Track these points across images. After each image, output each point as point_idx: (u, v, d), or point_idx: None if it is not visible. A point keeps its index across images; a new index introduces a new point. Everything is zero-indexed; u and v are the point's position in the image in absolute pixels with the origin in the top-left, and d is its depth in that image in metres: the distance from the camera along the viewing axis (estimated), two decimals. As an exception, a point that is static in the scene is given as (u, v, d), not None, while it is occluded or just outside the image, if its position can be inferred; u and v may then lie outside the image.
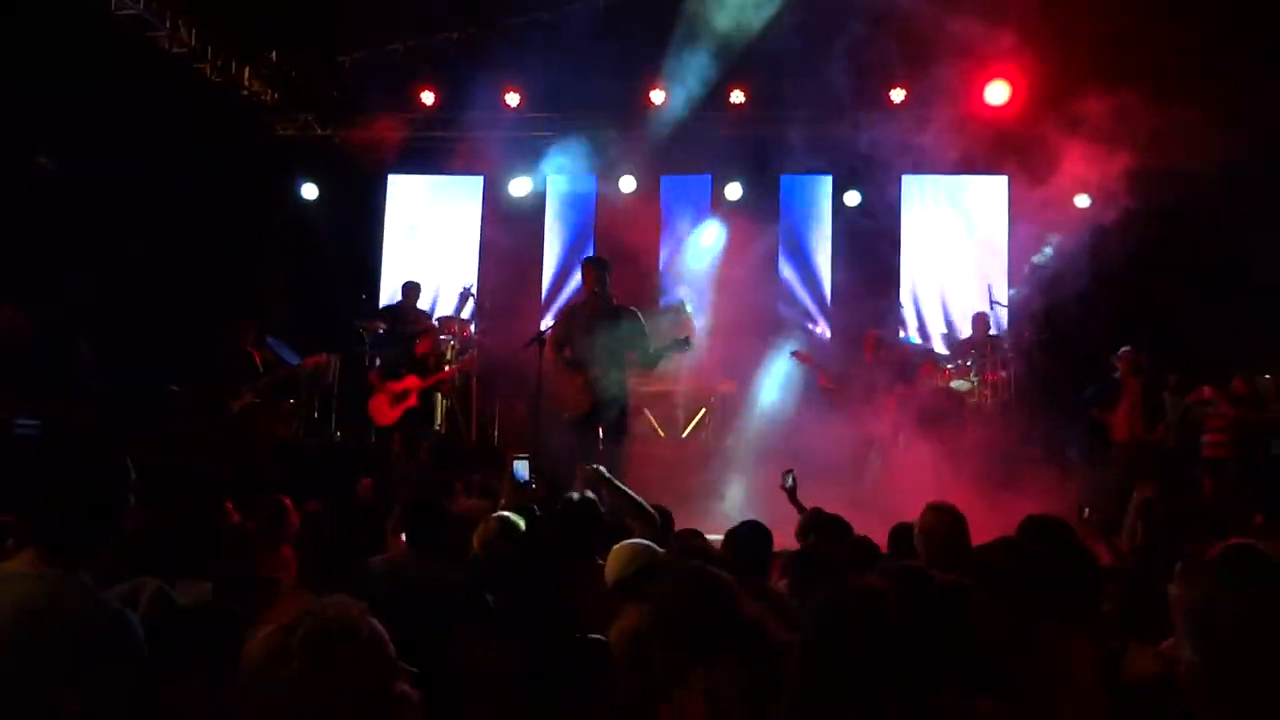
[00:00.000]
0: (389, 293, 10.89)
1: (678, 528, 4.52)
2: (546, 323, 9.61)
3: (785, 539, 4.17)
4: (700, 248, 10.42)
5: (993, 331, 9.64)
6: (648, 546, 3.33)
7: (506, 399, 9.68)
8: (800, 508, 4.94)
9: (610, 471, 4.71)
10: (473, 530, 3.89)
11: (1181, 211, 8.72)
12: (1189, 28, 7.93)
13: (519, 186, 10.93)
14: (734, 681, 2.23)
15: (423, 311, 10.03)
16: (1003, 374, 9.19)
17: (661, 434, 9.15)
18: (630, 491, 4.45)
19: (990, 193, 10.64)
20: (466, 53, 10.12)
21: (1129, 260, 8.70)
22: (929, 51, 8.68)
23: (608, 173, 10.75)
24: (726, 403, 9.27)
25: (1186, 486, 7.53)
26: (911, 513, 3.94)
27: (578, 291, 8.58)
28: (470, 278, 10.94)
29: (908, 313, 10.61)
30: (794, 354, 9.07)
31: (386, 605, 1.61)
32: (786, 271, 10.84)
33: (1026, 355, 9.17)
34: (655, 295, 10.19)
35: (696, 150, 10.37)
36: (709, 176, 10.85)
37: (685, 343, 6.83)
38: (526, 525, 3.92)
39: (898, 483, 7.32)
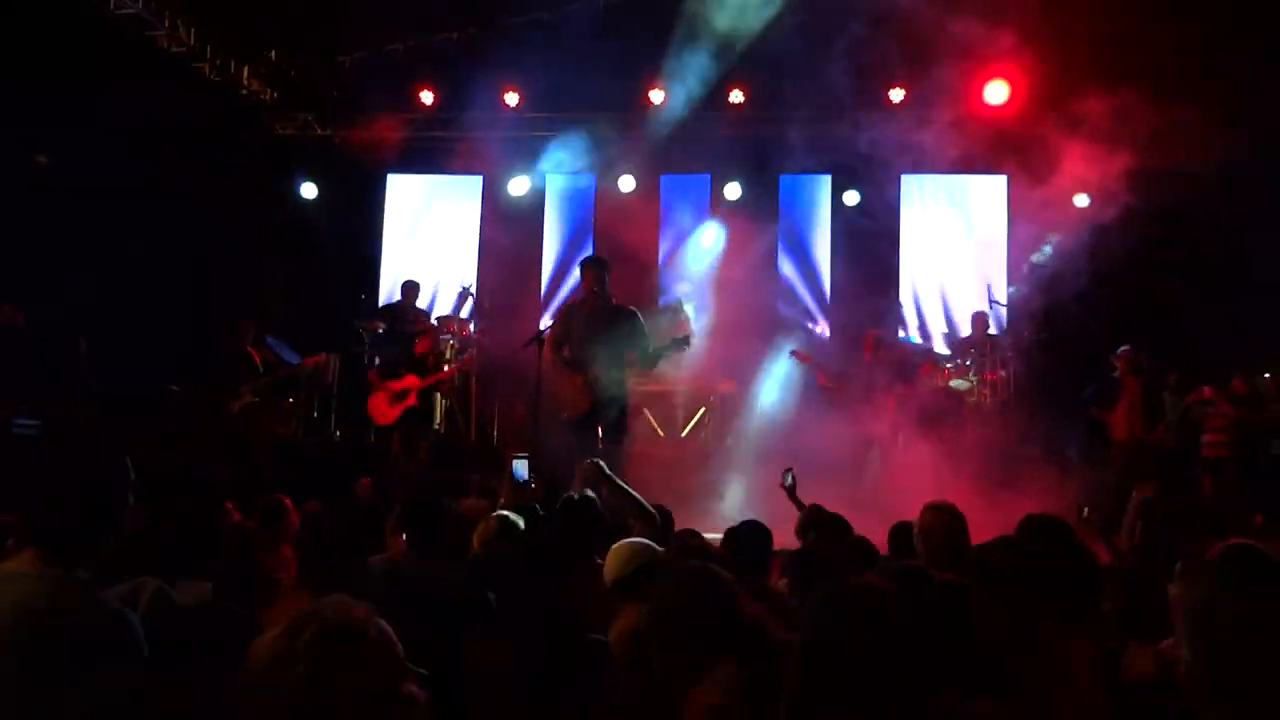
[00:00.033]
0: (388, 292, 10.89)
1: (677, 528, 4.52)
2: (545, 322, 9.61)
3: (785, 538, 4.17)
4: (700, 249, 10.42)
5: (992, 331, 9.64)
6: (647, 546, 3.33)
7: (506, 398, 9.68)
8: (800, 505, 4.94)
9: (610, 471, 4.70)
10: (472, 530, 3.89)
11: (1181, 211, 8.72)
12: (1189, 27, 7.93)
13: (518, 186, 10.93)
14: (734, 681, 2.23)
15: (422, 311, 10.03)
16: (1002, 373, 9.19)
17: (661, 434, 9.14)
18: (629, 489, 4.45)
19: (989, 192, 10.64)
20: (466, 52, 10.12)
21: (1129, 260, 8.71)
22: (928, 51, 8.68)
23: (607, 172, 10.75)
24: (726, 402, 9.27)
25: (1186, 486, 7.53)
26: (911, 512, 3.94)
27: (577, 291, 8.59)
28: (469, 277, 10.94)
29: (908, 312, 10.61)
30: (793, 353, 9.07)
31: (386, 605, 1.61)
32: (786, 271, 10.84)
33: (1026, 355, 9.17)
34: (654, 295, 10.19)
35: (696, 150, 10.37)
36: (708, 176, 10.85)
37: (684, 342, 6.83)
38: (527, 525, 3.92)
39: (897, 482, 7.32)
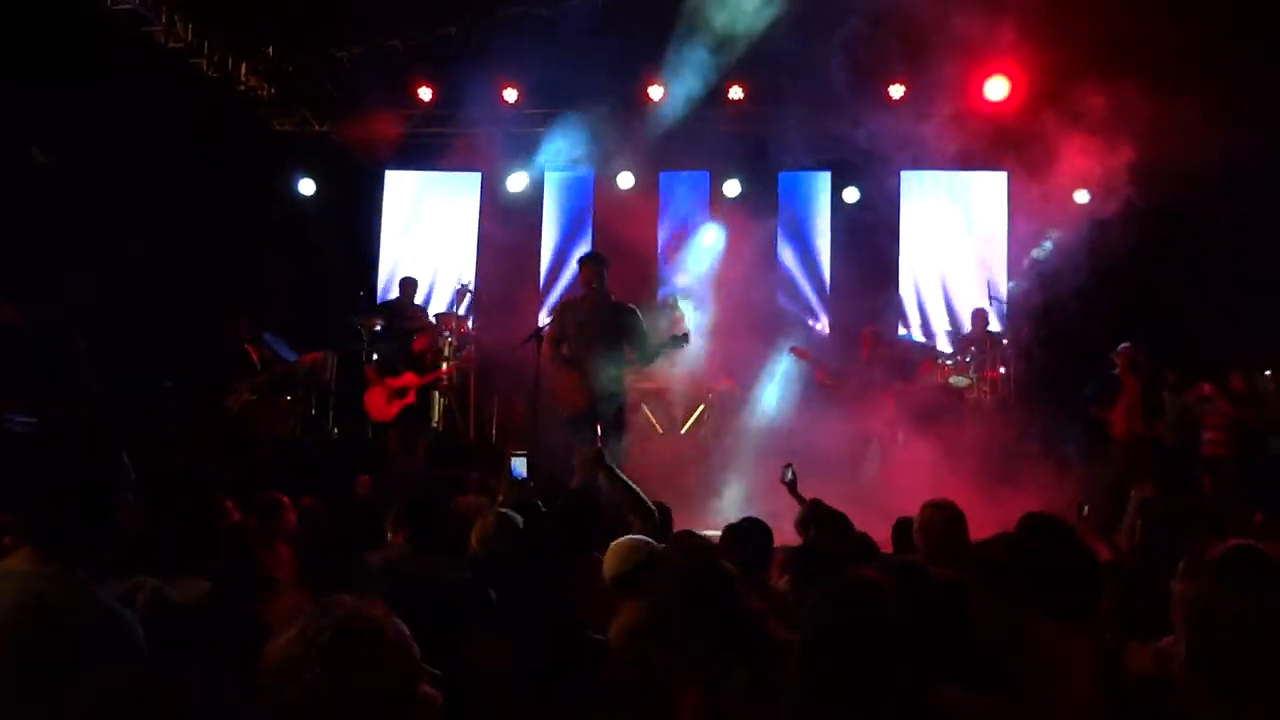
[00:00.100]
0: (385, 288, 10.87)
1: (676, 526, 4.51)
2: (544, 319, 9.60)
3: (783, 535, 4.17)
4: (701, 249, 10.41)
5: (992, 328, 9.64)
6: (646, 542, 3.32)
7: (504, 396, 9.67)
8: (801, 500, 4.93)
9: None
10: (470, 527, 3.88)
11: (1181, 209, 8.73)
12: (1189, 26, 7.93)
13: (516, 182, 10.92)
14: (734, 681, 2.22)
15: (420, 307, 10.01)
16: (1001, 370, 9.19)
17: (660, 431, 9.14)
18: (629, 481, 4.44)
19: (989, 188, 10.63)
20: (464, 49, 10.09)
21: (1129, 257, 8.71)
22: (928, 47, 8.67)
23: (605, 168, 10.74)
24: (725, 399, 9.26)
25: (1186, 485, 7.53)
26: (910, 509, 3.95)
27: (575, 288, 8.58)
28: (468, 274, 10.93)
29: (909, 309, 10.61)
30: (792, 350, 9.07)
31: (386, 603, 1.60)
32: (785, 268, 10.83)
33: (1026, 352, 9.18)
34: (653, 292, 10.18)
35: (695, 146, 10.35)
36: (707, 173, 10.84)
37: (683, 339, 6.83)
38: (526, 521, 3.91)
39: (896, 479, 7.33)
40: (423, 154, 11.08)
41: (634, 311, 6.81)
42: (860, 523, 4.30)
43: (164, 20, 9.23)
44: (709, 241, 10.40)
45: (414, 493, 4.32)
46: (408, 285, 9.88)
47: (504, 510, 3.98)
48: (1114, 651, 2.62)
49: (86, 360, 7.77)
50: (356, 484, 7.02)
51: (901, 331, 10.33)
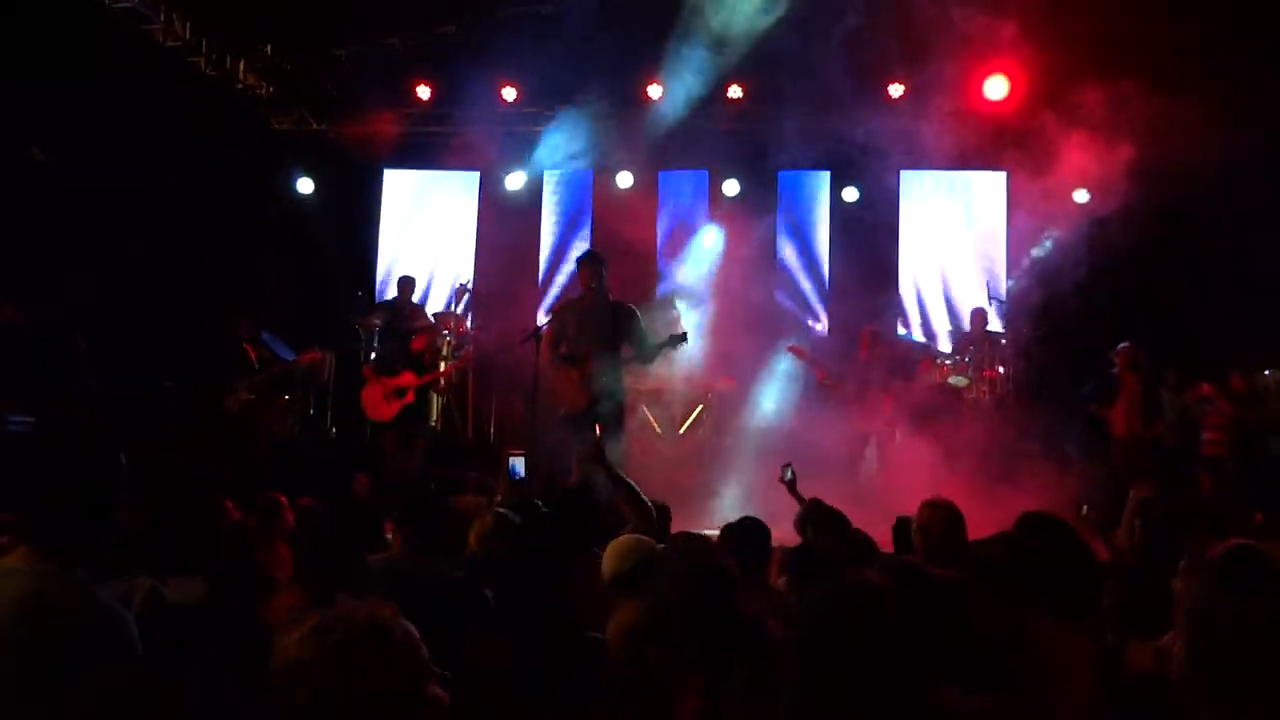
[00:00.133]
0: (383, 287, 10.86)
1: (675, 526, 4.51)
2: (543, 319, 9.59)
3: (782, 535, 4.16)
4: (701, 251, 10.40)
5: (992, 327, 9.63)
6: (645, 542, 3.32)
7: (503, 395, 9.66)
8: (800, 500, 4.93)
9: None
10: (469, 527, 3.88)
11: (1181, 208, 8.72)
12: (1189, 26, 7.92)
13: (515, 181, 10.91)
14: (733, 681, 2.22)
15: (419, 307, 10.01)
16: (1000, 370, 9.19)
17: (658, 431, 9.12)
18: (628, 479, 4.43)
19: (989, 188, 10.63)
20: (463, 48, 10.08)
21: (1128, 256, 8.70)
22: (928, 47, 8.67)
23: (605, 167, 10.73)
24: (724, 399, 9.26)
25: (1185, 484, 7.53)
26: (909, 508, 3.94)
27: (573, 287, 8.57)
28: (466, 273, 10.92)
29: (909, 308, 10.60)
30: (790, 349, 9.06)
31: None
32: (784, 267, 10.82)
33: (1025, 351, 9.17)
34: (652, 291, 10.17)
35: (694, 146, 10.34)
36: (706, 172, 10.83)
37: (681, 338, 6.83)
38: (525, 520, 3.91)
39: (895, 479, 7.33)
40: (421, 153, 11.07)
41: (633, 311, 6.80)
42: (859, 522, 4.30)
43: (162, 19, 9.21)
44: (708, 244, 10.40)
45: (412, 492, 4.31)
46: (405, 284, 9.87)
47: (502, 510, 3.97)
48: (1114, 650, 2.62)
49: (86, 360, 7.76)
50: (355, 484, 7.01)
51: (901, 331, 10.32)
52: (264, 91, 10.77)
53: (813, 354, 9.13)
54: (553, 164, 10.82)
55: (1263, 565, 2.62)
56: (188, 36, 9.55)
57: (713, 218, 10.61)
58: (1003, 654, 2.38)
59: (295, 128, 11.11)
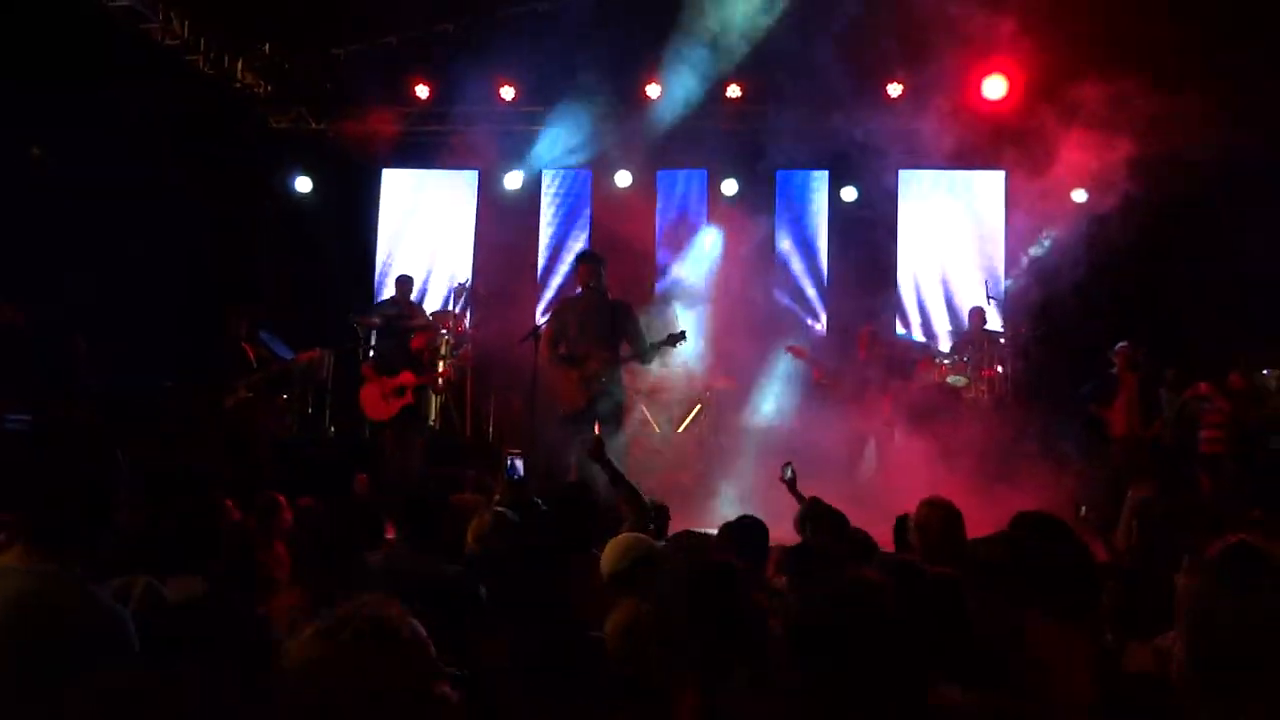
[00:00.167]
0: (383, 287, 10.86)
1: (673, 524, 4.51)
2: (541, 317, 9.59)
3: (780, 534, 4.16)
4: (701, 252, 10.40)
5: (990, 326, 9.63)
6: (644, 539, 3.32)
7: (502, 394, 9.66)
8: (800, 499, 4.93)
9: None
10: (467, 525, 3.87)
11: (1180, 207, 8.73)
12: (1189, 26, 7.92)
13: (513, 180, 10.91)
14: (733, 680, 2.21)
15: (417, 305, 10.00)
16: (999, 369, 9.19)
17: (657, 429, 9.13)
18: (626, 478, 4.43)
19: (988, 187, 10.63)
20: (461, 46, 10.08)
21: (1127, 255, 8.71)
22: (926, 46, 8.67)
23: (603, 166, 10.72)
24: (722, 398, 9.26)
25: (1184, 483, 7.53)
26: (908, 508, 3.94)
27: (572, 286, 8.57)
28: (464, 272, 10.91)
29: (908, 307, 10.60)
30: (788, 348, 9.06)
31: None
32: (783, 267, 10.82)
33: (1023, 350, 9.18)
34: (650, 290, 10.17)
35: (692, 145, 10.34)
36: (705, 171, 10.83)
37: (680, 337, 6.83)
38: (524, 518, 3.90)
39: (894, 478, 7.33)
40: (420, 152, 11.07)
41: (631, 310, 6.81)
42: (858, 521, 4.30)
43: (161, 17, 9.21)
44: (707, 245, 10.40)
45: (411, 491, 4.31)
46: (403, 283, 9.86)
47: (500, 508, 3.97)
48: (1113, 650, 2.62)
49: (86, 360, 7.74)
50: (354, 483, 7.00)
51: (900, 330, 10.33)
52: (262, 90, 10.76)
53: (811, 353, 9.13)
54: (551, 163, 10.82)
55: (1261, 562, 2.62)
56: (186, 35, 9.55)
57: (711, 217, 10.62)
58: (1001, 653, 2.38)
59: (293, 126, 11.10)
